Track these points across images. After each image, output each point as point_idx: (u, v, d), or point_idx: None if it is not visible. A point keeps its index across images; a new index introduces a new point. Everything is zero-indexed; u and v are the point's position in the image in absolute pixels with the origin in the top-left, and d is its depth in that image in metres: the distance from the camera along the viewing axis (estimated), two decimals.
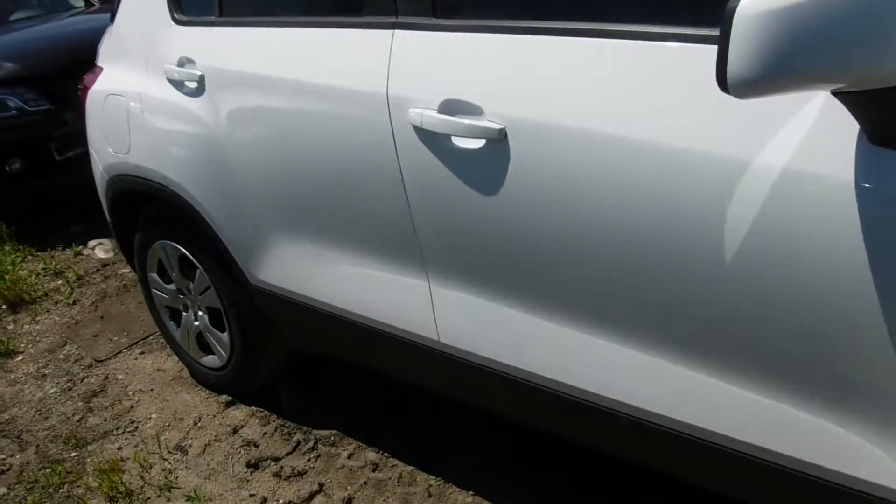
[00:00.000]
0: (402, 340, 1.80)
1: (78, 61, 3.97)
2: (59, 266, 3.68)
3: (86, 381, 2.76)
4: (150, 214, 2.49)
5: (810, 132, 1.08)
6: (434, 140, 1.50)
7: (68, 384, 2.75)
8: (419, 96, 1.51)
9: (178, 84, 2.11)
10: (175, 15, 2.15)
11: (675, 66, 1.20)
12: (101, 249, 3.78)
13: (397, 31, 1.57)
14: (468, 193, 1.48)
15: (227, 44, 1.98)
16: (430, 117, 1.48)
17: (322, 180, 1.78)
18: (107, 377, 2.77)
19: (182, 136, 2.12)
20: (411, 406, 2.36)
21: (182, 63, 2.09)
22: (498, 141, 1.40)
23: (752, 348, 1.23)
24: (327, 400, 2.46)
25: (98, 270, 3.61)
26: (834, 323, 1.11)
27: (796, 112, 1.09)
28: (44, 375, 2.83)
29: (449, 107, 1.46)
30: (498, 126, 1.38)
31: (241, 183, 2.00)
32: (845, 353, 1.12)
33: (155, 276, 2.59)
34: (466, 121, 1.43)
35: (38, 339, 3.09)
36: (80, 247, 3.87)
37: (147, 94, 2.22)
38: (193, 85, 2.06)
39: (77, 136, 4.00)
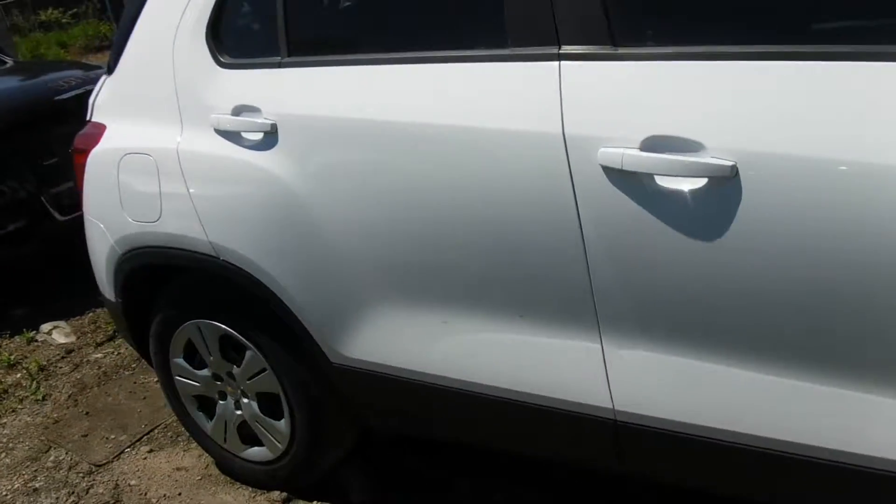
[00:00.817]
0: (555, 411, 1.59)
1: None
2: (12, 357, 3.20)
3: (92, 491, 2.36)
4: (180, 291, 2.17)
5: None
6: (632, 181, 1.33)
7: (72, 499, 2.34)
8: (612, 134, 1.34)
9: (232, 136, 1.84)
10: (219, 58, 1.89)
11: None
12: (59, 333, 3.33)
13: (564, 63, 1.40)
14: (677, 239, 1.32)
15: (308, 87, 1.74)
16: (632, 156, 1.31)
17: (456, 237, 1.57)
18: (117, 485, 2.38)
19: (244, 197, 1.85)
20: (510, 486, 2.13)
21: (238, 112, 1.83)
22: (726, 179, 1.25)
23: None
24: (407, 486, 2.19)
25: (62, 358, 3.17)
26: None
27: None
28: (36, 490, 2.40)
29: (653, 144, 1.30)
30: (729, 163, 1.23)
31: (331, 248, 1.75)
32: None
33: (181, 361, 2.25)
34: (684, 158, 1.27)
35: (11, 446, 2.64)
36: (32, 332, 3.40)
37: (188, 151, 1.92)
38: (258, 136, 1.79)
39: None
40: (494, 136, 1.46)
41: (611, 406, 1.51)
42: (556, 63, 1.40)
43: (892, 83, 1.13)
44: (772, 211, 1.23)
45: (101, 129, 2.18)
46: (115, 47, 2.22)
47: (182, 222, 1.96)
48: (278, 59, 1.80)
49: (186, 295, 2.17)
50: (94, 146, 2.17)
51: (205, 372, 2.22)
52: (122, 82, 2.15)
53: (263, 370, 2.06)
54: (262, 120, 1.78)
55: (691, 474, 1.56)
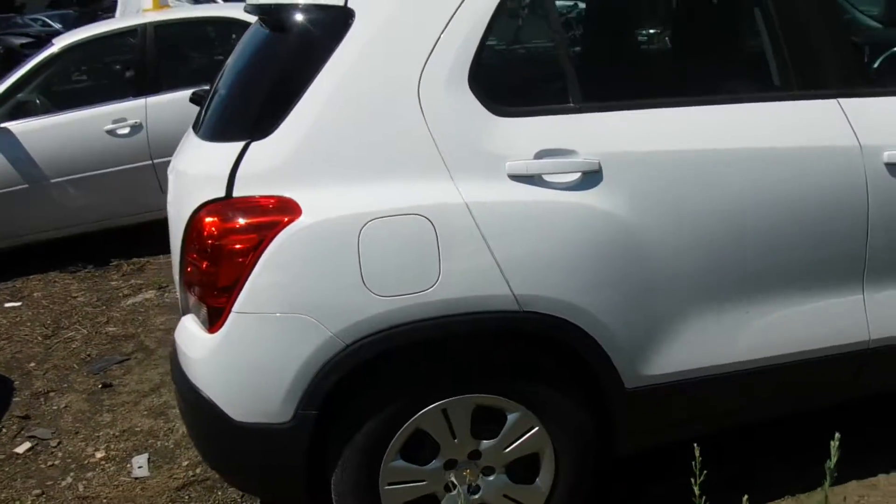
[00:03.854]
0: (828, 357, 2.25)
1: None
2: None
3: None
4: (426, 371, 2.00)
5: None
6: None
7: None
8: (888, 142, 2.16)
9: (537, 181, 1.95)
10: (495, 107, 1.96)
11: None
12: None
13: (842, 100, 2.16)
14: None
15: (623, 127, 2.02)
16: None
17: (776, 235, 2.11)
18: None
19: (562, 238, 1.96)
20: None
21: (541, 156, 1.96)
22: None
23: None
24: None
25: None
26: None
27: None
28: None
29: None
30: None
31: (651, 272, 2.04)
32: None
33: (400, 464, 2.03)
34: None
35: None
36: None
37: (481, 202, 1.91)
38: (574, 177, 1.97)
39: None
40: (811, 153, 2.11)
41: (867, 338, 2.28)
42: (835, 101, 2.16)
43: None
44: None
45: (287, 203, 1.87)
46: (257, 104, 1.96)
47: (474, 281, 1.92)
48: (572, 104, 2.02)
49: (437, 373, 2.00)
50: (283, 225, 1.85)
51: (434, 464, 2.05)
52: (315, 144, 1.90)
53: (527, 431, 2.08)
54: (582, 160, 1.97)
55: None
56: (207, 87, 2.84)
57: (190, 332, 2.04)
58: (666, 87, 2.21)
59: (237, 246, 1.88)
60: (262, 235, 1.86)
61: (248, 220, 1.88)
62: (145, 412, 3.31)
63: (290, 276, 1.86)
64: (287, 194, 1.88)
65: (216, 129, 2.17)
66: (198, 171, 2.07)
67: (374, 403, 1.97)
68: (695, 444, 1.69)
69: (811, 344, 2.23)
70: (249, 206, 1.89)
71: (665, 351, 2.10)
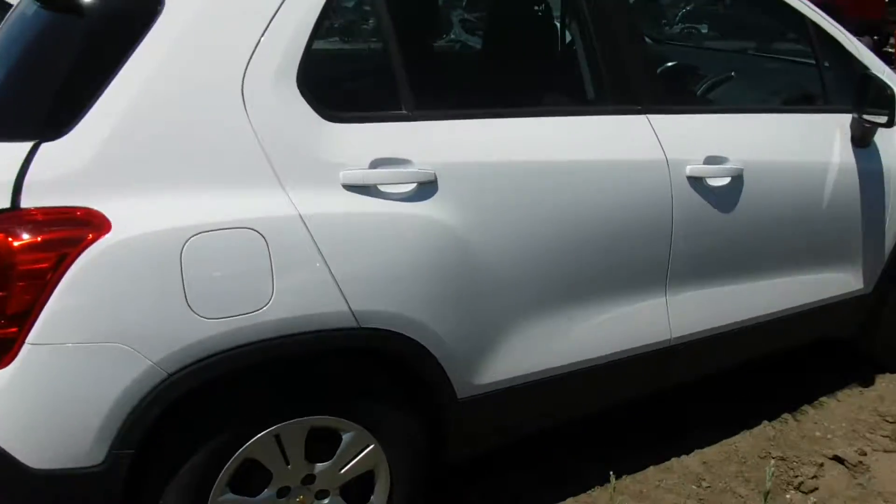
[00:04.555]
0: (639, 355, 2.42)
1: None
2: None
3: None
4: (259, 397, 1.88)
5: None
6: (697, 182, 2.37)
7: None
8: (690, 157, 2.35)
9: (372, 191, 1.90)
10: (327, 112, 1.88)
11: None
12: None
13: (651, 115, 2.32)
14: (716, 214, 2.43)
15: (457, 137, 2.02)
16: (698, 168, 2.35)
17: (595, 243, 2.23)
18: None
19: (400, 250, 1.93)
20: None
21: (376, 165, 1.91)
22: (737, 178, 2.45)
23: None
24: None
25: None
26: None
27: None
28: None
29: (709, 160, 2.39)
30: (738, 168, 2.44)
31: (486, 282, 2.07)
32: None
33: (230, 497, 1.89)
34: (721, 166, 2.41)
35: None
36: None
37: (316, 214, 1.82)
38: (409, 188, 1.94)
39: None
40: (624, 165, 2.25)
41: (669, 337, 2.48)
42: (645, 116, 2.32)
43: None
44: (762, 194, 2.49)
45: (93, 215, 1.66)
46: (46, 98, 1.73)
47: (310, 298, 1.83)
48: (403, 112, 1.98)
49: (270, 398, 1.88)
50: (88, 241, 1.65)
51: (266, 493, 1.94)
52: (123, 146, 1.70)
53: (363, 450, 2.03)
54: (418, 170, 1.95)
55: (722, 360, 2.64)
56: None
57: None
58: (497, 98, 2.24)
59: (31, 266, 1.62)
60: (63, 253, 1.63)
61: (45, 236, 1.63)
62: None
63: (99, 299, 1.65)
64: (92, 205, 1.66)
65: None
66: None
67: (201, 435, 1.82)
68: None
69: (623, 345, 2.39)
70: (45, 219, 1.64)
71: (495, 359, 2.15)
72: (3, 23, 2.23)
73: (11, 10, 2.25)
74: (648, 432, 2.92)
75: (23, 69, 1.94)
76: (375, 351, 1.98)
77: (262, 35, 1.81)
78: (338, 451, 2.00)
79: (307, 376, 1.94)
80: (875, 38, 13.08)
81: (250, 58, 1.80)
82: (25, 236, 1.63)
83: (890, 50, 13.20)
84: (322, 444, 1.98)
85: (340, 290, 1.85)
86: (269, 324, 1.78)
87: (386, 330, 1.93)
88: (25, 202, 1.64)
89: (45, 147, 1.67)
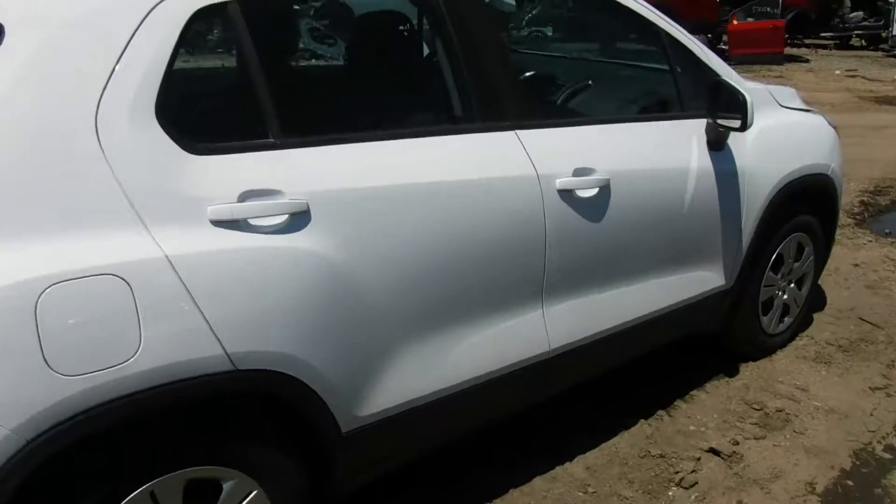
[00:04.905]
0: (518, 370, 2.44)
1: None
2: None
3: None
4: (130, 456, 1.76)
5: None
6: (567, 195, 2.40)
7: None
8: (560, 171, 2.38)
9: (243, 225, 1.82)
10: (189, 144, 1.78)
11: None
12: None
13: (519, 131, 2.34)
14: (587, 224, 2.49)
15: (323, 164, 1.96)
16: (567, 180, 2.39)
17: (471, 262, 2.22)
18: None
19: (275, 285, 1.85)
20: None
21: (245, 198, 1.83)
22: (604, 188, 2.51)
23: None
24: None
25: None
26: None
27: None
28: None
29: (577, 172, 2.43)
30: (605, 178, 2.50)
31: (365, 310, 2.02)
32: None
33: None
34: (589, 177, 2.46)
35: None
36: None
37: (184, 255, 1.72)
38: (281, 219, 1.87)
39: None
40: (496, 182, 2.25)
41: (548, 349, 2.52)
42: (514, 132, 2.33)
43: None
44: (627, 206, 2.56)
45: None
46: None
47: (183, 344, 1.73)
48: (272, 141, 1.90)
49: (142, 453, 1.76)
50: None
51: None
52: None
53: (245, 497, 1.95)
54: (289, 200, 1.88)
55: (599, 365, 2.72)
56: None
57: None
58: (365, 121, 2.18)
59: None
60: None
61: None
62: None
63: None
64: None
65: None
66: None
67: (68, 501, 1.68)
68: None
69: (505, 361, 2.40)
70: None
71: (378, 389, 2.11)
72: None
73: None
74: (530, 444, 2.95)
75: None
76: (255, 393, 1.89)
77: (116, 65, 1.69)
78: (219, 502, 1.90)
79: (181, 426, 1.82)
80: (709, 36, 13.98)
81: (103, 90, 1.68)
82: None
83: (724, 47, 14.11)
84: (202, 496, 1.88)
85: (214, 332, 1.75)
86: (137, 376, 1.66)
87: (265, 370, 1.85)
88: None
89: None
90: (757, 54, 13.20)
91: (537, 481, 2.76)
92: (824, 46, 18.23)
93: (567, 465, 2.86)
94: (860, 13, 18.56)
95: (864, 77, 14.18)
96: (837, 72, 14.70)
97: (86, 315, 1.61)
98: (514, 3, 2.60)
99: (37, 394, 1.56)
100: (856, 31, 18.73)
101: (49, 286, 1.56)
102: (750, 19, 14.13)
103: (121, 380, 1.64)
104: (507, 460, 2.85)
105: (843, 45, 18.67)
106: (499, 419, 2.67)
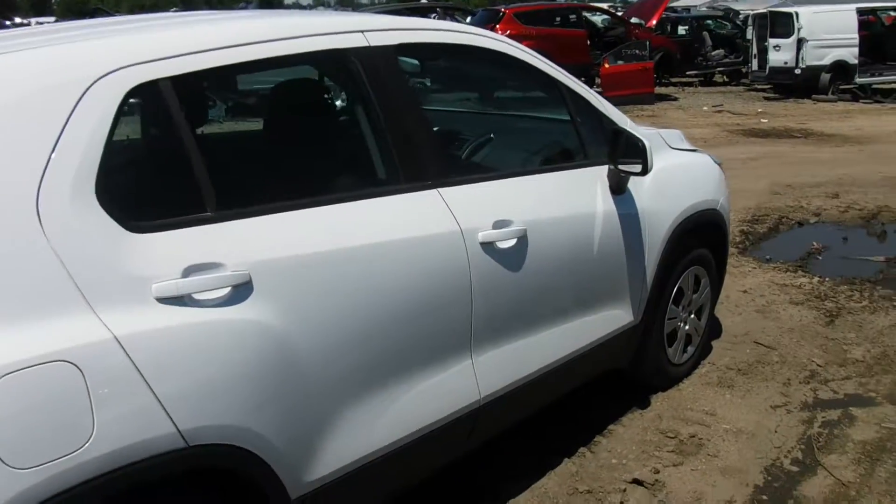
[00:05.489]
0: (451, 421, 2.54)
1: None
2: None
3: None
4: None
5: None
6: (489, 247, 2.54)
7: None
8: (480, 224, 2.52)
9: (187, 300, 1.86)
10: (129, 223, 1.82)
11: None
12: None
13: (441, 189, 2.47)
14: (508, 274, 2.63)
15: (261, 234, 2.02)
16: (488, 233, 2.53)
17: (404, 319, 2.31)
18: None
19: (220, 359, 1.89)
20: None
21: (188, 273, 1.88)
22: (522, 238, 2.66)
23: None
24: None
25: None
26: None
27: None
28: None
29: (497, 225, 2.58)
30: (522, 228, 2.66)
31: (307, 374, 2.08)
32: None
33: None
34: (507, 229, 2.61)
35: None
36: None
37: (133, 335, 1.75)
38: (224, 291, 1.91)
39: None
40: (423, 240, 2.36)
41: (479, 397, 2.63)
42: (436, 190, 2.46)
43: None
44: (544, 253, 2.73)
45: None
46: None
47: (135, 425, 1.75)
48: (208, 214, 1.96)
49: None
50: None
51: None
52: None
53: None
54: (231, 273, 1.93)
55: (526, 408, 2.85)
56: None
57: None
58: (296, 188, 2.25)
59: None
60: None
61: None
62: None
63: None
64: None
65: None
66: None
67: None
68: None
69: (440, 412, 2.49)
70: None
71: (322, 453, 2.16)
72: None
73: None
74: (461, 493, 3.04)
75: None
76: (207, 468, 1.91)
77: (53, 150, 1.72)
78: None
79: None
80: (582, 79, 14.70)
81: (43, 173, 1.70)
82: None
83: (598, 90, 14.84)
84: None
85: (165, 410, 1.78)
86: (90, 462, 1.66)
87: (216, 444, 1.88)
88: None
89: None
90: (629, 95, 13.92)
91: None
92: (690, 84, 19.38)
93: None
94: (721, 51, 19.90)
95: (730, 111, 15.18)
96: (705, 108, 15.67)
97: (39, 404, 1.61)
98: (417, 62, 2.73)
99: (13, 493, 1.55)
100: (718, 69, 20.03)
101: (1, 376, 1.56)
102: (620, 62, 14.89)
103: (77, 467, 1.64)
104: None
105: (708, 81, 19.92)
106: (435, 471, 2.75)
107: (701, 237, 3.73)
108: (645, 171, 2.97)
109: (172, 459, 1.81)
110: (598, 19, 20.07)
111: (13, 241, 1.65)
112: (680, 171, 3.61)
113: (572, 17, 18.00)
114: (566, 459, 3.26)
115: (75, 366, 1.65)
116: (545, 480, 3.13)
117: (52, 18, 35.13)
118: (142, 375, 1.74)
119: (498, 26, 15.63)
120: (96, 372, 1.67)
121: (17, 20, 29.99)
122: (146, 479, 1.78)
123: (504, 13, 16.65)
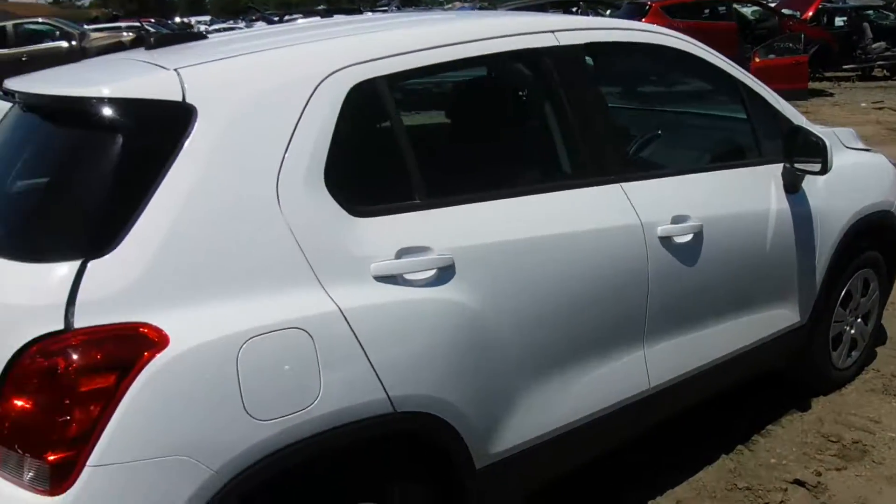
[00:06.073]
0: (623, 406, 2.65)
1: None
2: None
3: None
4: (302, 487, 1.97)
5: None
6: (667, 241, 2.63)
7: None
8: (660, 219, 2.61)
9: (399, 280, 2.05)
10: (352, 208, 2.02)
11: None
12: None
13: (623, 184, 2.57)
14: (683, 268, 2.71)
15: (466, 221, 2.19)
16: (667, 228, 2.62)
17: (584, 307, 2.44)
18: None
19: (426, 335, 2.08)
20: None
21: (401, 255, 2.06)
22: (698, 233, 2.73)
23: None
24: None
25: None
26: None
27: None
28: None
29: (675, 220, 2.66)
30: (699, 224, 2.72)
31: (500, 353, 2.24)
32: None
33: None
34: (685, 224, 2.68)
35: None
36: None
37: (355, 308, 1.95)
38: (430, 273, 2.09)
39: None
40: (609, 232, 2.48)
41: (648, 386, 2.72)
42: (619, 185, 2.56)
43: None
44: (722, 248, 2.78)
45: (150, 330, 1.73)
46: (82, 215, 1.82)
47: (354, 389, 1.96)
48: (417, 202, 2.14)
49: (310, 491, 1.97)
50: (149, 356, 1.71)
51: None
52: (170, 259, 1.78)
53: None
54: (438, 256, 2.10)
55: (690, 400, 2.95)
56: None
57: (14, 498, 1.75)
58: (494, 180, 2.41)
59: (92, 387, 1.68)
60: (123, 371, 1.69)
61: (104, 355, 1.69)
62: None
63: (162, 414, 1.72)
64: (146, 320, 1.73)
65: (19, 244, 1.89)
66: (10, 299, 1.78)
67: None
68: None
69: (611, 399, 2.60)
70: (102, 337, 1.70)
71: (506, 428, 2.32)
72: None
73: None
74: (619, 480, 3.13)
75: (38, 185, 1.98)
76: (407, 433, 2.10)
77: (291, 139, 1.94)
78: None
79: (347, 465, 2.04)
80: None
81: (280, 166, 1.92)
82: (85, 356, 1.68)
83: None
84: None
85: (379, 378, 1.97)
86: (317, 419, 1.88)
87: (418, 412, 2.06)
88: (80, 321, 1.69)
89: (94, 264, 1.73)
90: (781, 90, 13.39)
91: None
92: (847, 79, 18.45)
93: (658, 498, 3.04)
94: (882, 43, 18.79)
95: (891, 108, 14.40)
96: (864, 104, 14.92)
97: (277, 365, 1.83)
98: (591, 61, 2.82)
99: (237, 438, 1.78)
100: (878, 62, 18.94)
101: (247, 340, 1.79)
102: (772, 55, 14.36)
103: (304, 423, 1.86)
104: (599, 496, 3.03)
105: (866, 76, 18.88)
106: (601, 454, 2.86)
107: (873, 239, 3.67)
108: (825, 171, 2.96)
109: (381, 423, 2.00)
110: (748, 11, 19.34)
111: (259, 222, 1.88)
112: (854, 170, 3.56)
113: (721, 9, 17.45)
114: (723, 455, 3.29)
115: (307, 333, 1.86)
116: (702, 474, 3.18)
117: (207, 17, 37.51)
118: (361, 345, 1.93)
119: (644, 20, 15.40)
120: (324, 339, 1.88)
121: (178, 20, 32.14)
122: (356, 440, 1.99)
123: (650, 6, 16.31)
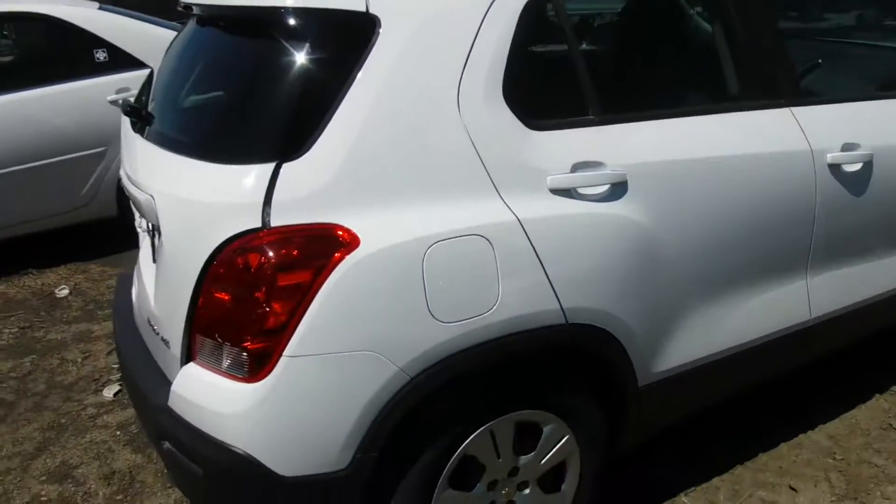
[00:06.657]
0: (784, 335, 2.61)
1: None
2: None
3: None
4: (480, 395, 2.04)
5: None
6: (836, 169, 2.54)
7: None
8: (830, 146, 2.52)
9: (573, 193, 2.05)
10: (529, 121, 2.03)
11: None
12: None
13: (793, 108, 2.49)
14: (851, 198, 2.62)
15: (640, 138, 2.17)
16: (837, 155, 2.53)
17: (751, 232, 2.39)
18: None
19: (598, 249, 2.08)
20: None
21: (576, 169, 2.06)
22: (868, 163, 2.62)
23: None
24: None
25: None
26: None
27: None
28: None
29: (845, 148, 2.56)
30: (869, 153, 2.62)
31: (669, 273, 2.23)
32: None
33: (451, 493, 2.04)
34: (855, 152, 2.58)
35: None
36: None
37: (531, 219, 1.97)
38: (603, 189, 2.08)
39: None
40: (778, 156, 2.42)
41: (809, 317, 2.66)
42: (789, 109, 2.48)
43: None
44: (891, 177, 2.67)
45: (343, 231, 1.79)
46: (275, 121, 1.88)
47: (529, 298, 1.99)
48: (592, 117, 2.13)
49: (489, 395, 2.04)
50: (342, 255, 1.78)
51: (479, 488, 2.10)
52: (358, 164, 1.83)
53: (559, 440, 2.19)
54: (611, 171, 2.10)
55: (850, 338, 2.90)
56: (132, 92, 2.54)
57: (212, 384, 1.88)
58: (667, 99, 2.38)
59: (289, 282, 1.77)
60: (319, 268, 1.77)
61: (301, 252, 1.78)
62: (44, 478, 2.92)
63: (353, 310, 1.79)
64: (338, 221, 1.80)
65: (213, 147, 1.99)
66: (209, 198, 1.88)
67: (430, 436, 1.97)
68: None
69: (771, 327, 2.57)
70: (300, 235, 1.78)
71: (669, 348, 2.32)
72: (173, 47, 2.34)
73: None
74: (771, 413, 3.11)
75: (235, 91, 2.07)
76: (575, 345, 2.13)
77: (470, 51, 1.96)
78: (539, 443, 2.16)
79: (521, 372, 2.09)
80: None
81: (461, 77, 1.94)
82: (283, 253, 1.76)
83: None
84: (523, 438, 2.14)
85: (553, 289, 2.00)
86: (495, 325, 1.93)
87: (588, 325, 2.09)
88: (276, 221, 1.77)
89: (287, 167, 1.80)
90: None
91: (783, 447, 2.92)
92: None
93: (810, 433, 3.01)
94: None
95: None
96: None
97: (460, 269, 1.88)
98: None
99: (421, 337, 1.85)
100: None
101: (434, 243, 1.84)
102: None
103: (484, 328, 1.91)
104: (750, 428, 3.01)
105: None
106: (759, 383, 2.83)
107: None
108: None
109: (553, 333, 2.04)
110: None
111: (441, 131, 1.91)
112: None
113: None
114: (877, 395, 3.23)
115: (487, 240, 1.90)
116: (855, 412, 3.14)
117: None
118: (537, 255, 1.96)
119: None
120: (503, 247, 1.92)
121: None
122: (528, 348, 2.03)
123: None
